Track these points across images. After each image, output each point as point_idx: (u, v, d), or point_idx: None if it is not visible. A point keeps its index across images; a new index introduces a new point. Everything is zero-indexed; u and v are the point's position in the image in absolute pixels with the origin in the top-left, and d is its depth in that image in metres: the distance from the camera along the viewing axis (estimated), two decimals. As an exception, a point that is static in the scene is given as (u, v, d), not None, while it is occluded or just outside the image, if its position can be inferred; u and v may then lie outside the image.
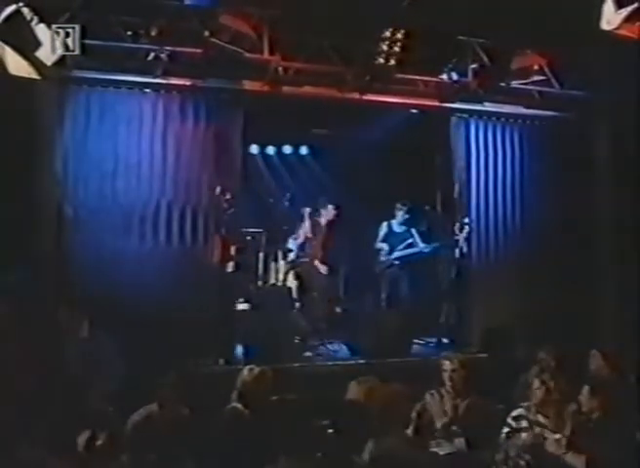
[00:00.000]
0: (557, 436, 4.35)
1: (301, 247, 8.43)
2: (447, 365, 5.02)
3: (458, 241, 7.96)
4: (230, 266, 7.21)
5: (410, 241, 8.38)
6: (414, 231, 8.47)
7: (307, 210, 8.23)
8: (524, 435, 4.47)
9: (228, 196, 6.98)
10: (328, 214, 8.19)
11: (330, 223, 8.24)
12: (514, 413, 4.60)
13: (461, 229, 7.92)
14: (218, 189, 6.98)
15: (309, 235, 8.20)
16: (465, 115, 8.18)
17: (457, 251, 7.97)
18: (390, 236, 8.52)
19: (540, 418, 4.48)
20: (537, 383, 4.60)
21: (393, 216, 8.59)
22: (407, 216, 8.40)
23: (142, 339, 6.07)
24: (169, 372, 4.85)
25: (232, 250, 7.24)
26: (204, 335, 6.73)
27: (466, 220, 7.98)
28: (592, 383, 4.77)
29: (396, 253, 8.37)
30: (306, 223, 8.20)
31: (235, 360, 6.93)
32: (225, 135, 7.21)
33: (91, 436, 3.72)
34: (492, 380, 5.46)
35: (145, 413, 4.60)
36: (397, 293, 8.25)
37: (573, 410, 4.49)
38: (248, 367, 4.82)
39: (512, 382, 5.48)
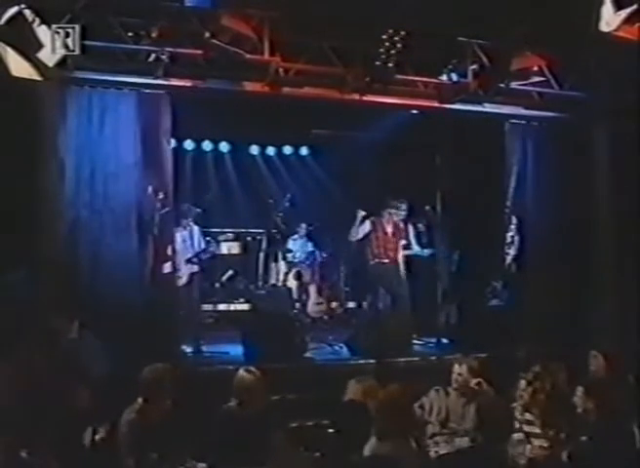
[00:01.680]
0: (549, 434, 4.39)
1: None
2: (456, 368, 5.05)
3: (512, 240, 8.09)
4: (167, 267, 7.02)
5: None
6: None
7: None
8: (516, 435, 4.51)
9: (161, 195, 6.83)
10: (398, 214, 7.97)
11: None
12: None
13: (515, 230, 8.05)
14: (149, 189, 6.81)
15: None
16: (523, 121, 8.19)
17: (511, 250, 8.03)
18: None
19: (529, 417, 4.51)
20: (524, 384, 4.63)
21: None
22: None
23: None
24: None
25: (168, 250, 7.08)
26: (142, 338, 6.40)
27: (515, 221, 8.07)
28: (591, 384, 4.80)
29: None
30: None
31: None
32: (154, 131, 6.97)
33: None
34: (491, 381, 5.48)
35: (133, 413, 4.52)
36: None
37: (569, 411, 4.52)
38: (244, 367, 4.81)
39: (509, 383, 5.50)
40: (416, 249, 8.29)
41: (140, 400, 4.45)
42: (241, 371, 4.73)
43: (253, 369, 4.74)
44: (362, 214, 7.80)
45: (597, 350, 5.63)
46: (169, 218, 7.01)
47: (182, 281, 7.64)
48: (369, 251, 7.95)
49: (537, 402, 4.49)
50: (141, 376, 4.55)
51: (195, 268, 7.71)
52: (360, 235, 7.89)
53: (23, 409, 4.38)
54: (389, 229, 7.97)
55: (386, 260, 7.89)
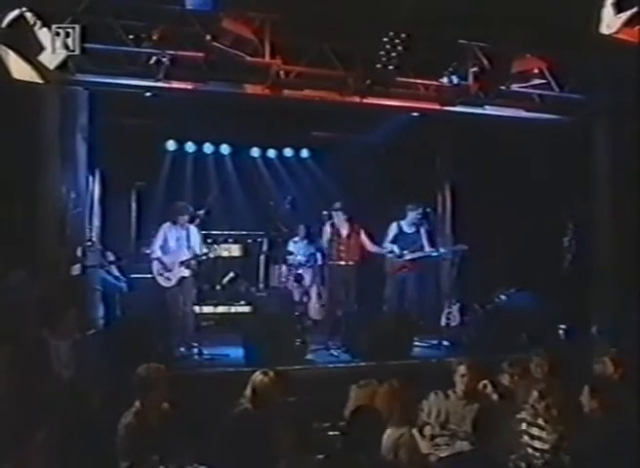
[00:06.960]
0: (554, 437, 4.39)
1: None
2: (461, 369, 5.05)
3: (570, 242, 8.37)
4: (76, 269, 6.91)
5: (419, 243, 8.39)
6: (422, 231, 8.48)
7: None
8: (523, 438, 4.51)
9: (74, 195, 6.79)
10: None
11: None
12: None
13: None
14: (63, 188, 6.77)
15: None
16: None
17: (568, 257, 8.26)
18: (401, 237, 8.51)
19: (540, 421, 4.51)
20: (536, 395, 4.63)
21: (397, 218, 8.61)
22: (418, 217, 8.43)
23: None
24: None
25: (79, 251, 7.00)
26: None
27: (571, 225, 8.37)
28: (593, 384, 4.80)
29: (407, 256, 8.38)
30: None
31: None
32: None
33: None
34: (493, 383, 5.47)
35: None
36: (404, 295, 8.30)
37: (572, 412, 4.52)
38: (261, 370, 4.74)
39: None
40: (427, 250, 8.41)
41: (137, 403, 4.42)
42: (258, 373, 4.68)
43: (269, 370, 4.69)
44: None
45: (598, 352, 5.65)
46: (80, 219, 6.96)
47: (171, 283, 7.52)
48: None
49: (541, 404, 4.49)
50: (134, 376, 4.52)
51: (186, 273, 7.53)
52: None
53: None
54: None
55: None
